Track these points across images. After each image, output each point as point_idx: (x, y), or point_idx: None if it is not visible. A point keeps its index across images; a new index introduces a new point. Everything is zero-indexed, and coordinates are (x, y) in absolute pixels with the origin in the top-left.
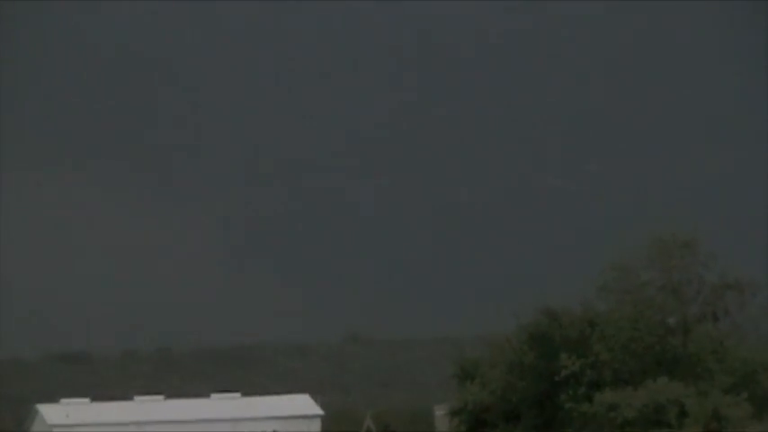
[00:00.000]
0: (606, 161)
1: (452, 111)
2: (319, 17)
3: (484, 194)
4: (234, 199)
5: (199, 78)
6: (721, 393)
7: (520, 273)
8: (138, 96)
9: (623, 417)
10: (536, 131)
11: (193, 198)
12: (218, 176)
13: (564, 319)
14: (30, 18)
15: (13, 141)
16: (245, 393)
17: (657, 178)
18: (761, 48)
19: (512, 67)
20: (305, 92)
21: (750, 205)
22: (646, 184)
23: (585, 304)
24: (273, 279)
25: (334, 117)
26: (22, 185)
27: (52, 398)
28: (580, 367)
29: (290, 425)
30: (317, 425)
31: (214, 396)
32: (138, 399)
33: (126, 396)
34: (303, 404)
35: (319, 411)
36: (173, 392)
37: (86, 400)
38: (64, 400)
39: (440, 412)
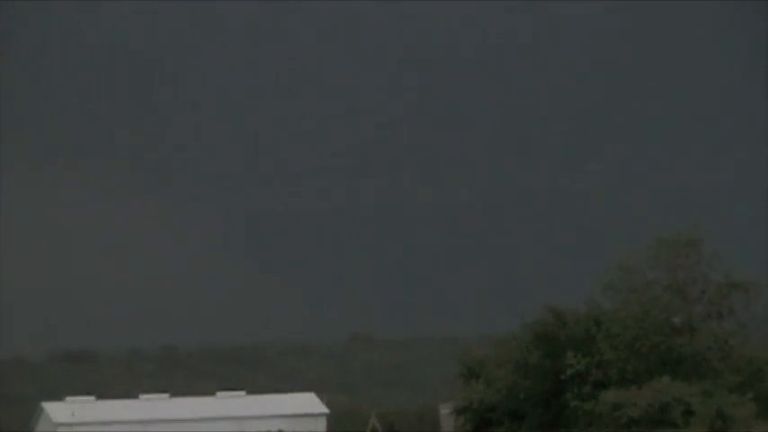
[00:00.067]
0: (608, 161)
1: (453, 111)
2: (319, 17)
3: (485, 194)
4: (238, 199)
5: (199, 78)
6: (726, 393)
7: (522, 272)
8: (139, 96)
9: (628, 416)
10: (536, 131)
11: (198, 198)
12: (222, 176)
13: (569, 318)
14: (29, 18)
15: (16, 141)
16: (251, 392)
17: (659, 178)
18: (761, 48)
19: (512, 67)
20: (305, 92)
21: (752, 205)
22: (647, 184)
23: (590, 303)
24: (278, 279)
25: (335, 117)
26: (24, 185)
27: (57, 397)
28: (585, 366)
29: (295, 423)
30: (322, 423)
31: (219, 394)
32: (143, 397)
33: (131, 395)
34: (309, 403)
35: (325, 410)
36: (178, 391)
37: (92, 398)
38: (69, 399)
39: (445, 411)
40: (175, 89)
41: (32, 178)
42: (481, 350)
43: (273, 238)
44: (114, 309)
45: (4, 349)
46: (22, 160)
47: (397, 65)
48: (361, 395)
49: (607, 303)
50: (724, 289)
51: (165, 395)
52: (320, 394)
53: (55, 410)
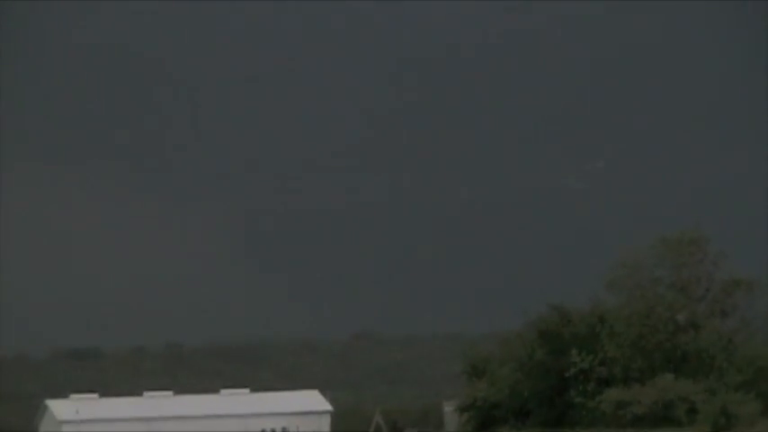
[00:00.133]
0: (608, 160)
1: (453, 111)
2: (319, 17)
3: (486, 193)
4: (242, 198)
5: (199, 78)
6: (731, 390)
7: (525, 270)
8: (139, 96)
9: (633, 413)
10: (536, 131)
11: (202, 197)
12: (225, 175)
13: (573, 316)
14: (29, 18)
15: (16, 141)
16: (255, 389)
17: (659, 177)
18: (761, 48)
19: (512, 67)
20: (305, 92)
21: (752, 204)
22: (647, 183)
23: (594, 300)
24: (281, 277)
25: (335, 117)
26: (27, 185)
27: (62, 394)
28: (589, 364)
29: (299, 421)
30: (326, 421)
31: (223, 392)
32: (147, 394)
33: (135, 392)
34: (313, 400)
35: (329, 407)
36: (182, 388)
37: (95, 395)
38: (73, 396)
39: (449, 409)
40: (175, 89)
41: (35, 178)
42: (485, 347)
43: (277, 236)
44: (118, 307)
45: (9, 347)
46: (21, 160)
47: (397, 65)
48: (365, 393)
49: (611, 301)
50: (728, 287)
51: (169, 393)
52: (324, 392)
53: (59, 408)
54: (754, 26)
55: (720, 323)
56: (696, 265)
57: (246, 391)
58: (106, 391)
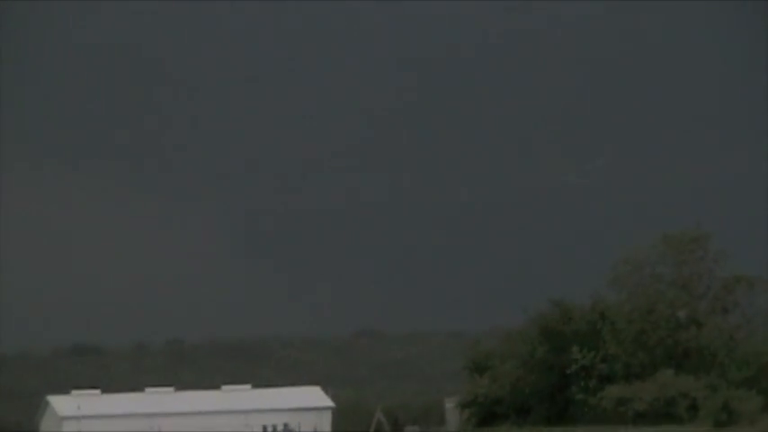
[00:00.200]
0: (608, 159)
1: (453, 111)
2: (319, 17)
3: (488, 192)
4: (245, 196)
5: (199, 78)
6: (732, 387)
7: (526, 268)
8: (139, 96)
9: (634, 410)
10: (536, 131)
11: (204, 195)
12: (226, 174)
13: (574, 313)
14: (29, 18)
15: (16, 141)
16: (256, 385)
17: (659, 176)
18: (761, 48)
19: (512, 67)
20: (305, 92)
21: (753, 202)
22: (647, 182)
23: (596, 297)
24: (283, 274)
25: (335, 117)
26: (28, 185)
27: (63, 390)
28: (591, 361)
29: (300, 417)
30: (327, 417)
31: (225, 388)
32: (149, 391)
33: (137, 388)
34: (314, 397)
35: (330, 404)
36: (184, 385)
37: (97, 391)
38: (75, 392)
39: (450, 405)
40: (175, 89)
41: (33, 178)
42: (487, 344)
43: (278, 234)
44: (119, 303)
45: (10, 344)
46: (21, 160)
47: (397, 65)
48: (366, 389)
49: (612, 298)
50: (729, 284)
51: (171, 389)
52: (326, 388)
53: (61, 404)
54: (754, 26)
55: (721, 320)
56: (697, 262)
57: (248, 387)
58: (107, 388)
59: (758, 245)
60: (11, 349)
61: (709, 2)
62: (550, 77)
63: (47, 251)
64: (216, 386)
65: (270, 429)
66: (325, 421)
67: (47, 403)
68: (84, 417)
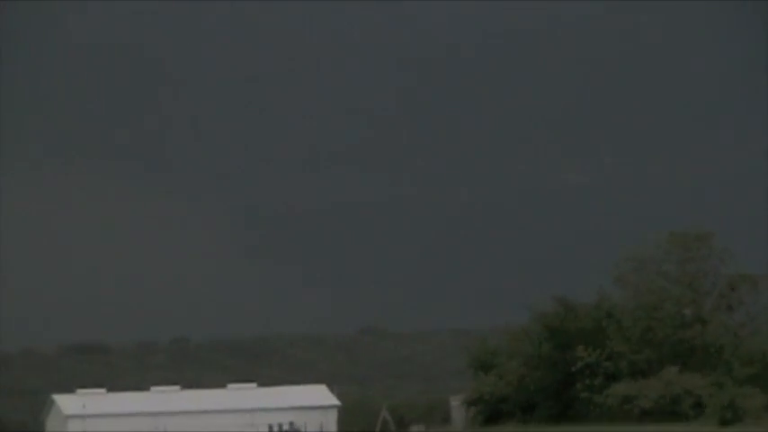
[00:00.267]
0: (608, 159)
1: (453, 111)
2: (319, 17)
3: (490, 192)
4: (248, 195)
5: (200, 78)
6: (737, 384)
7: (531, 266)
8: (139, 96)
9: (639, 408)
10: (537, 131)
11: (208, 195)
12: (228, 173)
13: (579, 311)
14: (30, 18)
15: (16, 141)
16: (262, 384)
17: (659, 175)
18: (761, 48)
19: (512, 67)
20: (305, 92)
21: (754, 202)
22: (647, 182)
23: (601, 294)
24: (289, 272)
25: (335, 116)
26: (28, 185)
27: (68, 389)
28: (596, 358)
29: (306, 416)
30: (333, 416)
31: (230, 387)
32: (154, 389)
33: (142, 387)
34: (320, 395)
35: (336, 402)
36: (189, 383)
37: (102, 390)
38: (80, 391)
39: (455, 403)
40: (175, 89)
41: (33, 178)
42: (492, 342)
43: (284, 232)
44: (124, 302)
45: (15, 342)
46: (22, 160)
47: (397, 65)
48: (371, 387)
49: (617, 295)
50: (734, 282)
51: (176, 387)
52: (331, 386)
53: (66, 402)
54: (754, 26)
55: (726, 317)
56: (702, 260)
57: (253, 385)
58: (113, 386)
59: (758, 244)
60: (16, 348)
61: (709, 2)
62: (550, 77)
63: (51, 250)
64: (221, 385)
65: (275, 428)
66: (331, 420)
67: (52, 402)
68: (89, 416)
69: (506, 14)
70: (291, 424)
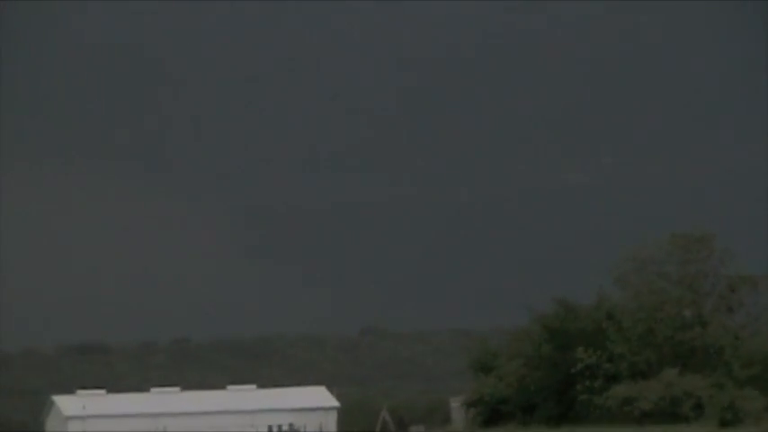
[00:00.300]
0: (607, 159)
1: (453, 111)
2: (319, 17)
3: (491, 192)
4: (249, 195)
5: (200, 78)
6: (737, 386)
7: (531, 267)
8: (139, 96)
9: (639, 409)
10: (537, 131)
11: (209, 194)
12: (229, 173)
13: (579, 312)
14: (30, 18)
15: (16, 141)
16: (262, 385)
17: (664, 176)
18: (761, 48)
19: (512, 67)
20: (305, 92)
21: (755, 201)
22: (647, 182)
23: (601, 295)
24: (289, 272)
25: (335, 116)
26: (29, 185)
27: (68, 390)
28: (596, 360)
29: (306, 417)
30: (333, 417)
31: (230, 388)
32: (154, 390)
33: (142, 388)
34: (319, 396)
35: (336, 403)
36: (189, 384)
37: (102, 391)
38: (80, 392)
39: (455, 404)
40: (175, 89)
41: (33, 178)
42: (492, 343)
43: (283, 233)
44: (125, 302)
45: (15, 342)
46: (22, 160)
47: (397, 65)
48: (372, 388)
49: (617, 296)
50: (734, 283)
51: (176, 388)
52: (331, 387)
53: (66, 403)
54: (754, 26)
55: (727, 319)
56: (703, 261)
57: (253, 387)
58: (113, 387)
59: (758, 244)
60: (16, 348)
61: (709, 2)
62: (550, 77)
63: (51, 250)
64: (221, 386)
65: (275, 429)
66: (331, 421)
67: (52, 403)
68: (89, 416)
69: (506, 14)
70: (291, 425)
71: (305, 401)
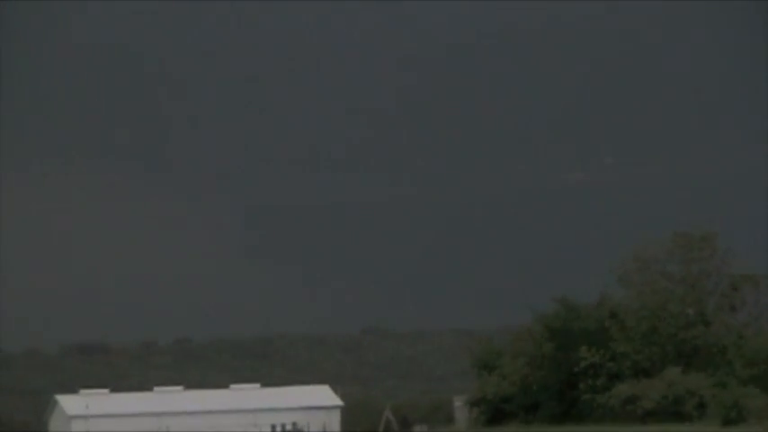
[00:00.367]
0: (609, 160)
1: (453, 111)
2: (319, 17)
3: (491, 192)
4: (250, 195)
5: (200, 78)
6: (740, 384)
7: (534, 266)
8: (141, 96)
9: (643, 408)
10: (537, 131)
11: (210, 194)
12: (234, 174)
13: (581, 311)
14: (30, 18)
15: (16, 141)
16: (265, 384)
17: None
18: (761, 48)
19: (512, 67)
20: (305, 92)
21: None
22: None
23: (604, 295)
24: (290, 272)
25: (335, 116)
26: (32, 183)
27: (71, 389)
28: (599, 359)
29: (309, 416)
30: (336, 416)
31: (233, 387)
32: (157, 389)
33: (144, 387)
34: (323, 395)
35: (339, 402)
36: (192, 384)
37: (105, 390)
38: (83, 391)
39: (459, 403)
40: (175, 89)
41: (34, 178)
42: (495, 342)
43: (286, 233)
44: (128, 302)
45: (18, 342)
46: (22, 160)
47: (397, 65)
48: (375, 387)
49: (619, 295)
50: (736, 282)
51: (179, 388)
52: (334, 386)
53: (69, 403)
54: (754, 26)
55: (729, 317)
56: (706, 260)
57: (256, 386)
58: (116, 386)
59: (759, 244)
60: (19, 348)
61: (709, 2)
62: (550, 77)
63: (51, 250)
64: (224, 385)
65: (278, 428)
66: (334, 420)
67: (55, 402)
68: (92, 416)
69: (506, 14)
70: (294, 424)
71: (308, 400)
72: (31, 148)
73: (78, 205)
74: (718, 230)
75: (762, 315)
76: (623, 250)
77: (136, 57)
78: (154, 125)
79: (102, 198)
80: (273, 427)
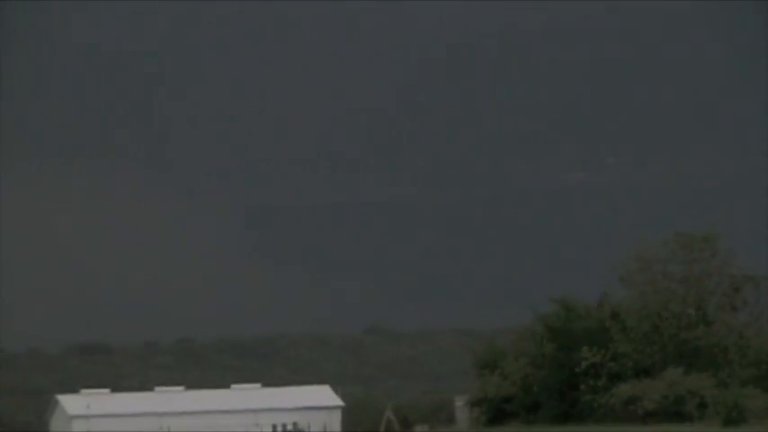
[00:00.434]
0: (609, 160)
1: (453, 111)
2: (319, 17)
3: (492, 192)
4: (250, 195)
5: (200, 78)
6: (742, 385)
7: (530, 266)
8: (141, 96)
9: (644, 408)
10: (537, 131)
11: (211, 194)
12: (234, 174)
13: (581, 311)
14: (30, 18)
15: (16, 141)
16: (266, 384)
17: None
18: (761, 48)
19: (512, 66)
20: (305, 91)
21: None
22: (647, 182)
23: (604, 295)
24: (291, 272)
25: (335, 116)
26: (32, 183)
27: (73, 389)
28: (600, 359)
29: (310, 416)
30: (337, 416)
31: (234, 387)
32: (158, 389)
33: (146, 387)
34: (324, 396)
35: (340, 402)
36: (193, 384)
37: (107, 390)
38: (84, 391)
39: (460, 403)
40: (175, 89)
41: (34, 178)
42: (497, 342)
43: (287, 233)
44: (129, 302)
45: (20, 342)
46: (22, 160)
47: (398, 65)
48: (376, 387)
49: (620, 295)
50: (737, 283)
51: (181, 388)
52: (335, 386)
53: (70, 403)
54: (754, 26)
55: (731, 318)
56: (707, 260)
57: (257, 386)
58: (117, 386)
59: (759, 244)
60: (20, 348)
61: (709, 2)
62: (550, 77)
63: (51, 250)
64: (225, 385)
65: (279, 428)
66: (335, 420)
67: (56, 402)
68: (93, 416)
69: (506, 14)
70: (295, 424)
71: (309, 401)
72: (31, 148)
73: (78, 205)
74: (718, 231)
75: (763, 315)
76: (624, 250)
77: (136, 57)
78: (154, 125)
79: (102, 198)
80: (274, 427)
